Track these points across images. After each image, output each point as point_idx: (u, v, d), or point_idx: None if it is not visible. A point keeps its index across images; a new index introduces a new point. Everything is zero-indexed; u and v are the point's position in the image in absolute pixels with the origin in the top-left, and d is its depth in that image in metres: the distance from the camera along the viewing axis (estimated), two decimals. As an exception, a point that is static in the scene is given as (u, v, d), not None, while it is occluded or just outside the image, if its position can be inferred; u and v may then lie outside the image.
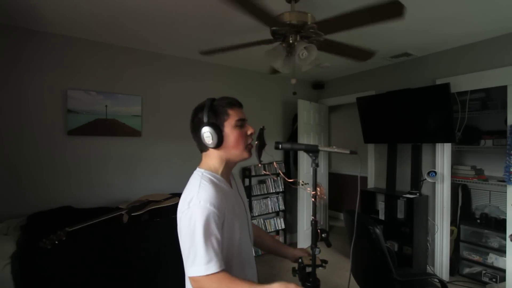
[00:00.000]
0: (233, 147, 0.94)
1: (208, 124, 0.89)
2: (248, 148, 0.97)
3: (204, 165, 0.97)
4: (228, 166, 0.98)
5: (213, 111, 0.92)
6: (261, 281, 1.07)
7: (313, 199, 1.09)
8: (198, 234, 0.78)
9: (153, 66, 3.01)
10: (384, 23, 1.47)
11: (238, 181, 1.12)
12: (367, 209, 3.50)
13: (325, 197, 4.49)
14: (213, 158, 0.96)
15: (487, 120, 3.14)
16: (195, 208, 0.81)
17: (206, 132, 0.90)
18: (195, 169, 0.99)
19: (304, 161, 3.86)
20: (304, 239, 3.86)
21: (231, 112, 0.93)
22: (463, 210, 3.24)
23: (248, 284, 0.80)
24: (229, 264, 0.88)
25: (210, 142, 0.90)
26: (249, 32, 2.31)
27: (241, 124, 0.94)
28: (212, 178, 0.92)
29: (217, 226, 0.82)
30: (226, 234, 0.87)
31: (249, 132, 0.96)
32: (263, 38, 1.82)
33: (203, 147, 0.96)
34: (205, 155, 0.98)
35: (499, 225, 2.85)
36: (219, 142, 0.91)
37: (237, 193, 1.03)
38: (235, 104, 0.96)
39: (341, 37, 1.79)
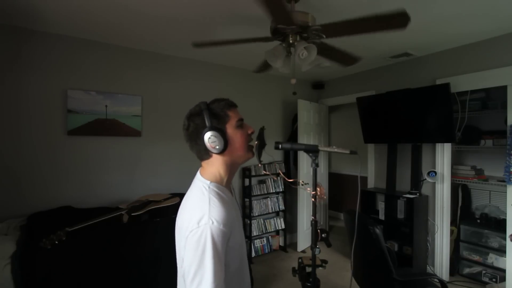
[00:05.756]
0: (238, 149, 0.92)
1: (212, 128, 0.85)
2: (250, 147, 0.96)
3: (208, 175, 0.91)
4: (233, 172, 0.96)
5: (213, 115, 0.89)
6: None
7: (313, 199, 1.09)
8: (207, 257, 0.74)
9: (153, 66, 3.01)
10: (386, 32, 1.49)
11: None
12: (367, 209, 3.50)
13: (325, 197, 4.49)
14: (217, 166, 0.91)
15: (487, 120, 3.14)
16: (206, 228, 0.76)
17: (211, 137, 0.85)
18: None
19: (304, 161, 3.86)
20: (304, 239, 3.86)
21: (230, 113, 0.91)
22: (463, 210, 3.24)
23: None
24: (230, 274, 0.86)
25: (216, 147, 0.86)
26: (249, 32, 2.31)
27: (240, 124, 0.93)
28: (220, 192, 0.87)
29: (225, 246, 0.79)
30: (232, 247, 0.84)
31: (249, 132, 0.95)
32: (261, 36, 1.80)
33: (204, 155, 0.91)
34: (207, 163, 0.92)
35: (499, 225, 2.85)
36: (225, 146, 0.87)
37: (234, 200, 1.02)
38: (232, 105, 0.94)
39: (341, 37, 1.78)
